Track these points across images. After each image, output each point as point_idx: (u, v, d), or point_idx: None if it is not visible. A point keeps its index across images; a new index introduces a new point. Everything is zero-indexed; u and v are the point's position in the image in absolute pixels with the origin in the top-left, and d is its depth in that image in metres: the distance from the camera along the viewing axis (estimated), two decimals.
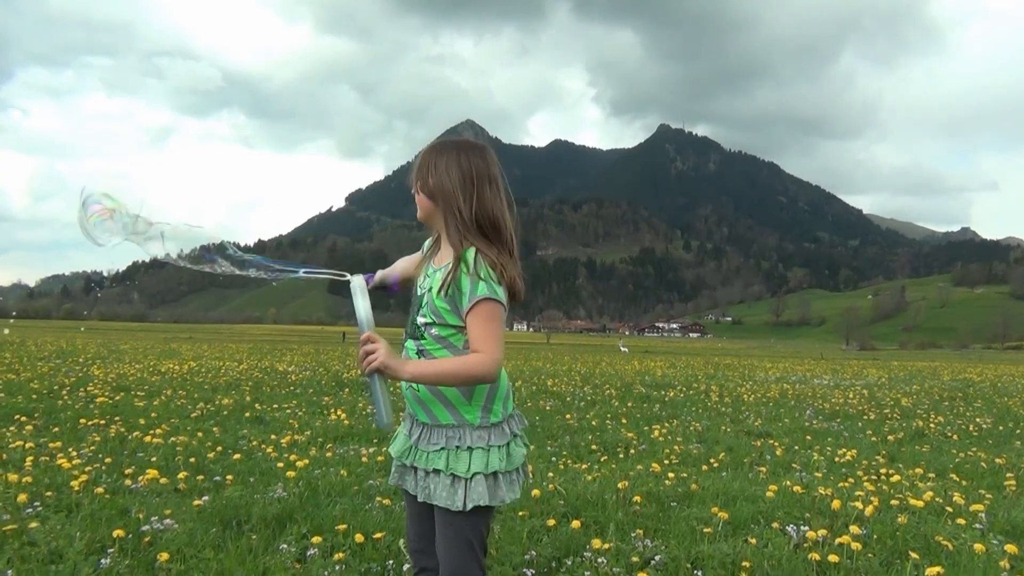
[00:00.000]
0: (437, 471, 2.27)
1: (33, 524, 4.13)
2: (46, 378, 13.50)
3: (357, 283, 2.26)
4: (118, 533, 3.89)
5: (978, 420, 12.10)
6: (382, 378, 2.21)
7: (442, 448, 2.27)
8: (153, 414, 9.32)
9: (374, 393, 2.24)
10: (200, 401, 10.97)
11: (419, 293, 2.36)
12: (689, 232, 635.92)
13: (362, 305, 2.23)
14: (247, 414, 9.85)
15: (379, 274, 2.60)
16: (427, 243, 2.53)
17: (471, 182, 2.26)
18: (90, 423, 8.31)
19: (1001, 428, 11.18)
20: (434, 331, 2.28)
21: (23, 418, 8.41)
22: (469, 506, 2.23)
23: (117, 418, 8.83)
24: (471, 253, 2.21)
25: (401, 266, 2.62)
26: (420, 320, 2.30)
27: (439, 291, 2.25)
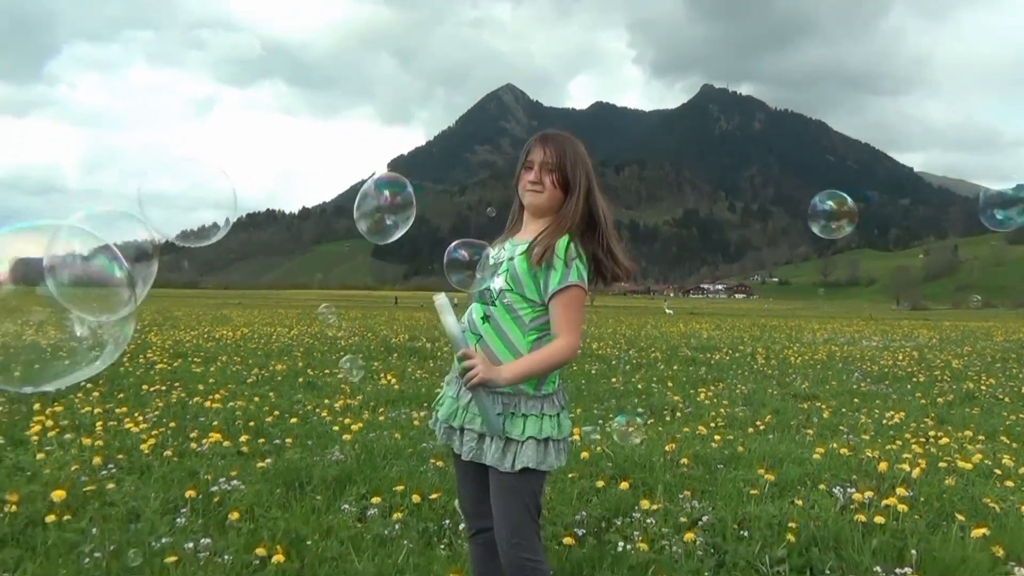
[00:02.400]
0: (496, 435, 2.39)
1: (110, 485, 4.38)
2: None
3: (442, 301, 2.33)
4: (190, 493, 4.12)
5: None
6: (484, 389, 2.32)
7: (498, 414, 2.39)
8: (211, 380, 9.65)
9: (481, 404, 2.33)
10: (255, 367, 11.29)
11: (493, 261, 2.48)
12: (734, 193, 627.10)
13: (451, 322, 2.32)
14: (300, 379, 10.12)
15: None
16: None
17: (589, 177, 2.47)
18: (152, 389, 8.65)
19: None
20: (508, 299, 2.42)
21: (88, 385, 8.76)
22: (518, 467, 2.37)
23: (177, 384, 9.15)
24: (566, 241, 2.38)
25: None
26: (496, 286, 2.43)
27: (531, 264, 2.39)
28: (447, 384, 2.58)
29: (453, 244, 2.45)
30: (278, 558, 3.26)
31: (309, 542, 3.59)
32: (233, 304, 57.57)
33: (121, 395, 8.21)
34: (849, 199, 3.32)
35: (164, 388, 8.78)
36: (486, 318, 2.43)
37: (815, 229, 3.32)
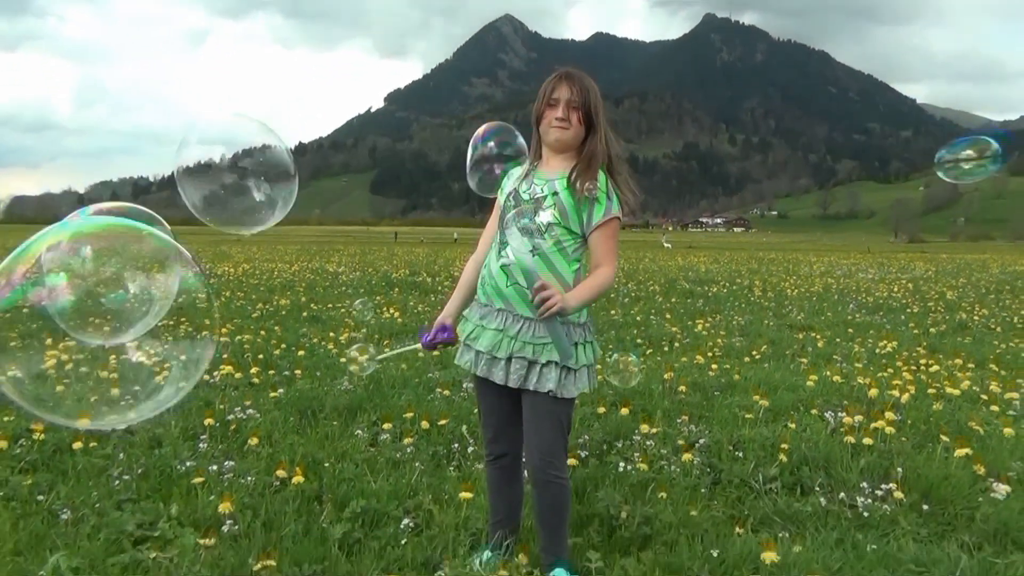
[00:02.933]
0: (549, 362, 2.51)
1: (131, 414, 4.55)
2: None
3: (514, 234, 2.51)
4: (208, 421, 4.29)
5: (1023, 312, 12.11)
6: (557, 318, 2.43)
7: (574, 343, 2.52)
8: (216, 314, 9.78)
9: (555, 333, 2.42)
10: (259, 302, 11.45)
11: (530, 197, 2.59)
12: (735, 125, 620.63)
13: (526, 256, 2.48)
14: (304, 313, 10.29)
15: (436, 323, 2.81)
16: (514, 170, 2.78)
17: (605, 113, 2.61)
18: (159, 324, 8.79)
19: None
20: (556, 232, 2.54)
21: (97, 320, 8.91)
22: (575, 393, 2.54)
23: (183, 319, 9.29)
24: (604, 176, 2.54)
25: (451, 309, 2.84)
26: (543, 220, 2.54)
27: (575, 199, 2.53)
28: (482, 318, 2.65)
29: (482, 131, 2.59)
30: (298, 479, 3.44)
31: (326, 464, 3.78)
32: (232, 240, 57.59)
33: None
34: (993, 142, 3.22)
35: (171, 323, 8.92)
36: (534, 250, 2.54)
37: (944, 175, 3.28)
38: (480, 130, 2.94)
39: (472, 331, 2.67)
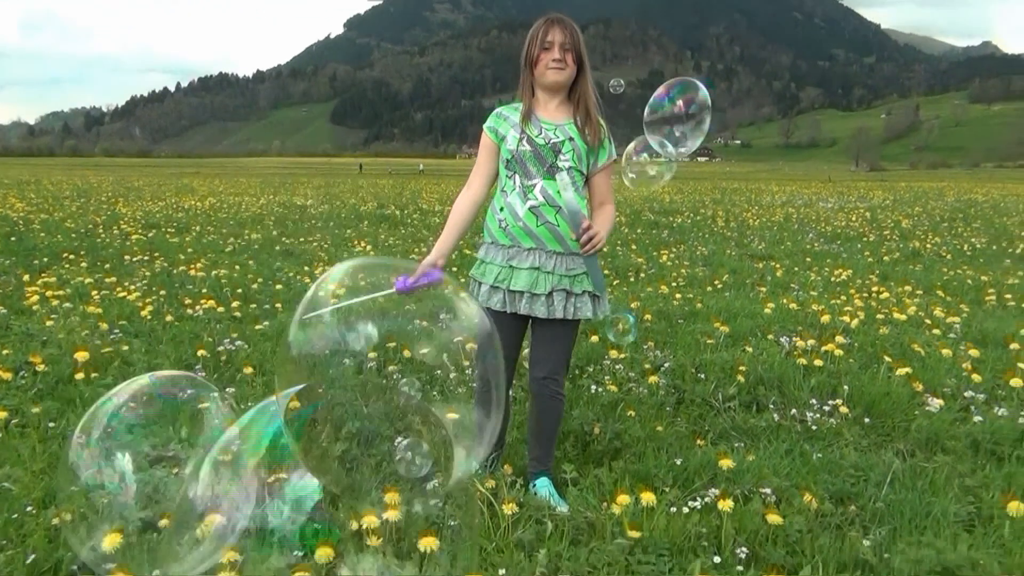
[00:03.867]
0: (583, 292, 2.81)
1: (124, 347, 4.76)
2: (77, 217, 14.04)
3: (565, 179, 2.68)
4: (201, 352, 4.52)
5: (973, 240, 12.62)
6: (596, 254, 2.71)
7: (584, 272, 2.79)
8: (188, 249, 9.91)
9: (593, 267, 2.72)
10: (230, 236, 11.53)
11: (546, 143, 2.78)
12: (700, 52, 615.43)
13: (571, 197, 2.64)
14: (277, 247, 10.43)
15: (423, 265, 2.75)
16: (504, 110, 2.93)
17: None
18: (134, 259, 8.90)
19: (995, 248, 11.69)
20: (573, 175, 2.79)
21: (70, 255, 8.98)
22: (600, 316, 2.86)
23: (156, 254, 9.41)
24: (602, 120, 2.84)
25: (444, 248, 2.82)
26: (564, 163, 2.78)
27: (587, 143, 2.81)
28: (509, 260, 2.83)
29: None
30: (294, 404, 3.69)
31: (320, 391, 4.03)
32: (191, 173, 56.63)
33: (107, 265, 8.47)
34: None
35: (145, 258, 9.04)
36: (559, 192, 2.74)
37: None
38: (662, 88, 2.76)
39: (499, 273, 2.84)
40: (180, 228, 12.69)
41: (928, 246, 11.71)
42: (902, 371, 4.27)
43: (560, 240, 2.77)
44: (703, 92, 2.69)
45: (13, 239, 10.39)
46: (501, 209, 2.85)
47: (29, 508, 2.67)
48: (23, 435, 3.40)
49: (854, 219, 16.73)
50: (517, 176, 2.82)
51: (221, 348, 4.80)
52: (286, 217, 15.17)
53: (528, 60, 2.81)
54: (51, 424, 3.56)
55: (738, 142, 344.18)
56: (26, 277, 7.49)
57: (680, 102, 2.66)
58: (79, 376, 4.09)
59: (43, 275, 7.62)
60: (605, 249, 2.61)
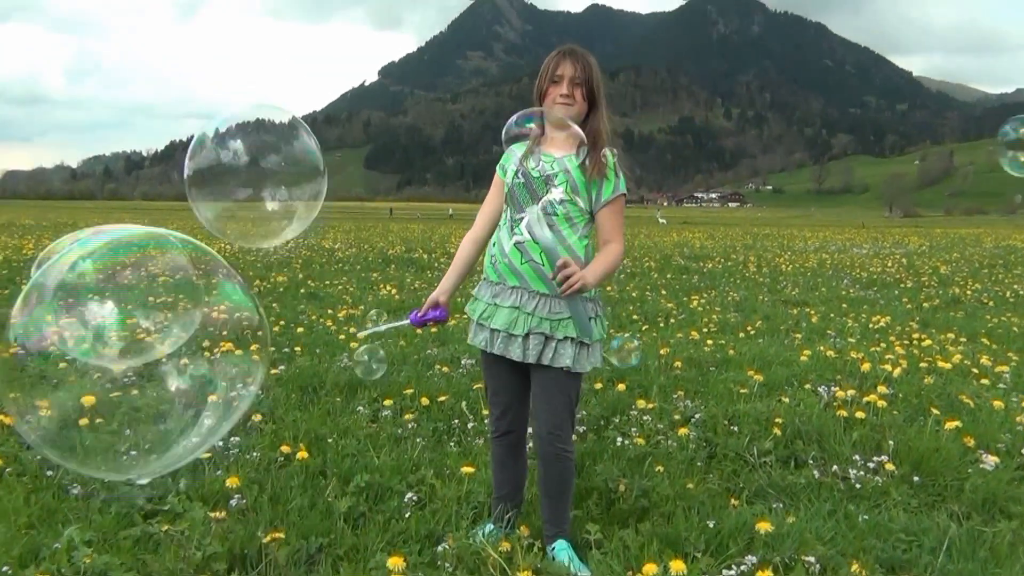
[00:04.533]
0: (565, 338, 2.58)
1: (134, 391, 4.61)
2: None
3: (535, 214, 2.46)
4: (212, 398, 4.35)
5: (1016, 287, 12.20)
6: (578, 296, 2.47)
7: (569, 317, 2.56)
8: (214, 292, 9.82)
9: (576, 310, 2.48)
10: (255, 278, 11.49)
11: (540, 175, 2.63)
12: (730, 99, 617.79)
13: (546, 235, 2.41)
14: (302, 290, 10.35)
15: (428, 301, 2.82)
16: (515, 147, 2.75)
17: (606, 90, 2.68)
18: (157, 301, 8.82)
19: None
20: (566, 208, 2.60)
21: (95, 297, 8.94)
22: (588, 368, 2.62)
23: (181, 296, 9.33)
24: (611, 154, 2.62)
25: (446, 286, 2.84)
26: (555, 197, 2.60)
27: (586, 176, 2.60)
28: (494, 296, 2.68)
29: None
30: (302, 455, 3.51)
31: (329, 440, 3.85)
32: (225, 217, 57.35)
33: (129, 307, 8.39)
34: None
35: (169, 299, 8.96)
36: (549, 228, 2.56)
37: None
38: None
39: (484, 310, 2.71)
40: (207, 271, 12.67)
41: (969, 293, 11.34)
42: (951, 425, 3.99)
43: (546, 280, 2.58)
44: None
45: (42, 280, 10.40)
46: (493, 244, 2.73)
47: (6, 569, 2.50)
48: (18, 483, 3.25)
49: (890, 265, 16.35)
50: (509, 210, 2.69)
51: (234, 393, 4.64)
52: (313, 260, 15.14)
53: (538, 93, 2.67)
54: (48, 473, 3.40)
55: (769, 188, 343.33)
56: (49, 317, 7.43)
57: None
58: (84, 423, 3.94)
59: (68, 315, 7.56)
60: (591, 291, 2.36)
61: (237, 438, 3.78)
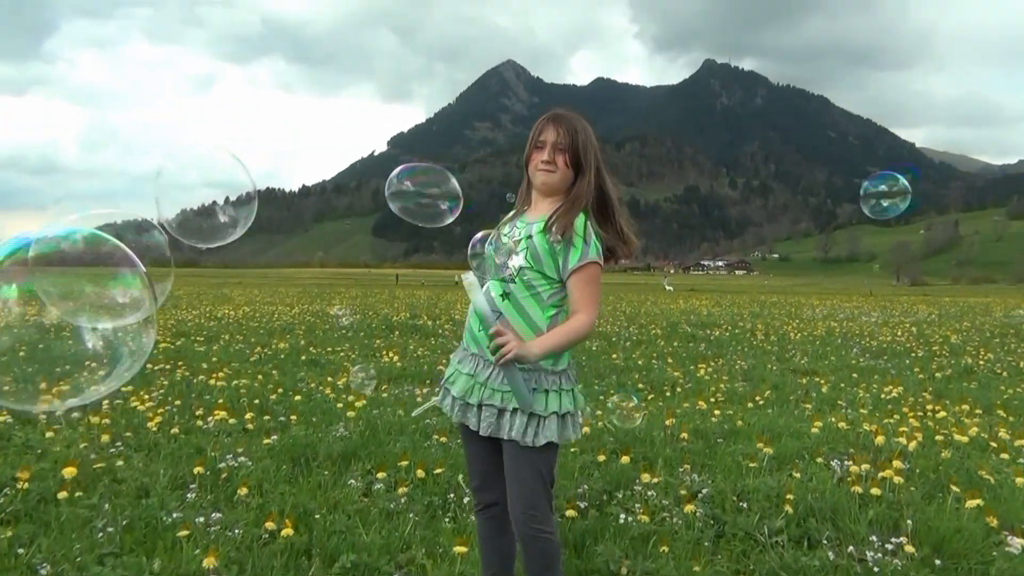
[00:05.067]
0: (515, 409, 2.43)
1: (119, 462, 4.45)
2: None
3: (470, 280, 2.38)
4: (198, 469, 4.19)
5: None
6: (515, 365, 2.36)
7: (532, 389, 2.42)
8: (214, 358, 9.71)
9: (514, 380, 2.37)
10: (257, 345, 11.36)
11: (507, 240, 2.53)
12: (735, 169, 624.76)
13: (481, 300, 2.36)
14: (303, 357, 10.20)
15: None
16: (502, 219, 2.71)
17: (598, 157, 2.53)
18: (156, 368, 8.70)
19: None
20: (528, 276, 2.46)
21: (93, 364, 8.82)
22: (542, 442, 2.42)
23: (180, 363, 9.22)
24: (585, 217, 2.45)
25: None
26: (515, 263, 2.47)
27: (550, 242, 2.44)
28: (459, 362, 2.61)
29: (479, 236, 2.54)
30: (287, 532, 3.32)
31: (317, 516, 3.66)
32: (233, 283, 57.62)
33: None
34: (901, 178, 3.45)
35: (168, 367, 8.84)
36: (505, 295, 2.47)
37: (866, 210, 3.43)
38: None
39: (451, 374, 2.62)
40: (210, 337, 12.58)
41: (982, 362, 11.12)
42: (973, 502, 3.79)
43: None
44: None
45: (41, 347, 10.29)
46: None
47: None
48: None
49: (900, 334, 16.14)
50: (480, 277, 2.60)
51: (223, 464, 4.47)
52: (316, 327, 15.03)
53: (526, 159, 2.58)
54: (20, 551, 3.23)
55: (775, 256, 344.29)
56: (43, 385, 7.29)
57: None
58: (63, 495, 3.77)
59: (61, 383, 7.42)
60: (550, 362, 2.22)
61: (219, 514, 3.60)
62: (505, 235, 2.56)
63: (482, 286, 2.54)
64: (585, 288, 2.44)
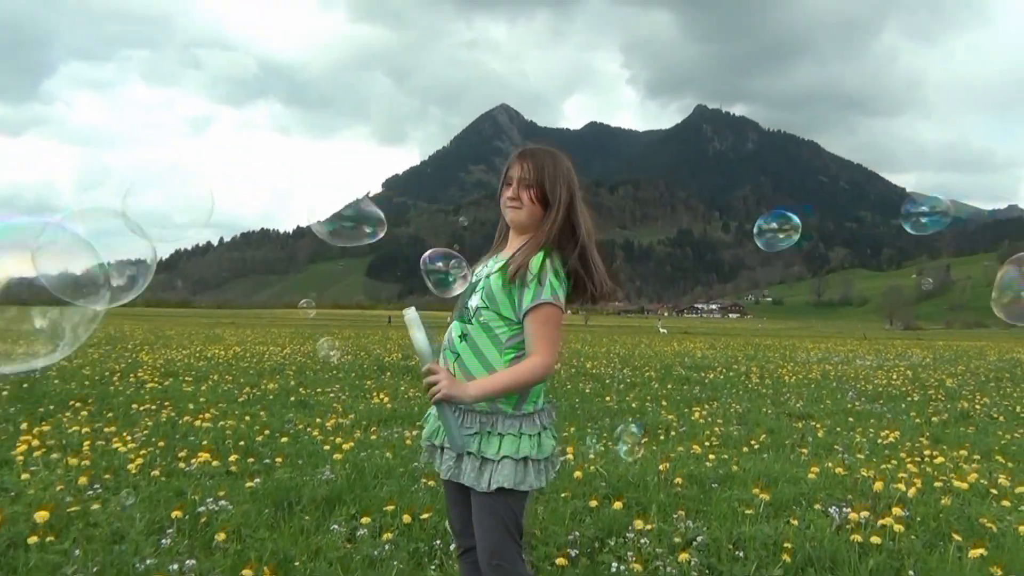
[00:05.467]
0: (469, 453, 2.35)
1: (95, 505, 4.30)
2: (97, 364, 13.88)
3: (411, 316, 2.32)
4: (176, 514, 4.04)
5: None
6: (450, 405, 2.30)
7: (475, 432, 2.35)
8: (201, 399, 9.56)
9: (445, 419, 2.31)
10: (246, 385, 11.22)
11: (476, 279, 2.47)
12: (727, 213, 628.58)
13: (419, 337, 2.30)
14: (292, 398, 10.06)
15: None
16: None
17: (572, 193, 2.44)
18: (142, 408, 8.56)
19: None
20: (484, 316, 2.38)
21: (77, 404, 8.69)
22: (493, 487, 2.31)
23: (167, 403, 9.08)
24: (545, 255, 2.34)
25: None
26: (473, 303, 2.40)
27: (505, 281, 2.35)
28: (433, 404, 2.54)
29: (428, 253, 2.46)
30: None
31: (297, 563, 3.53)
32: (226, 323, 57.38)
33: (110, 414, 8.12)
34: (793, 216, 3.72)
35: (154, 407, 8.70)
36: (463, 336, 2.39)
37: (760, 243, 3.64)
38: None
39: (427, 416, 2.57)
40: (199, 377, 12.42)
41: (978, 407, 11.02)
42: (976, 552, 3.67)
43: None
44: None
45: (25, 386, 10.14)
46: None
47: None
48: None
49: (895, 378, 16.05)
50: None
51: (203, 508, 4.33)
52: (307, 367, 14.87)
53: (497, 195, 2.52)
54: None
55: (769, 299, 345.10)
56: (24, 425, 7.15)
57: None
58: (33, 540, 3.63)
59: (43, 424, 7.28)
60: (464, 403, 2.29)
61: (193, 561, 3.45)
62: (476, 274, 2.49)
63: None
64: (538, 329, 2.33)
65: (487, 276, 2.42)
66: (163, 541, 3.78)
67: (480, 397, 2.30)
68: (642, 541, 3.95)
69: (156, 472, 5.24)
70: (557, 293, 2.32)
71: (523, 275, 2.31)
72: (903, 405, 11.14)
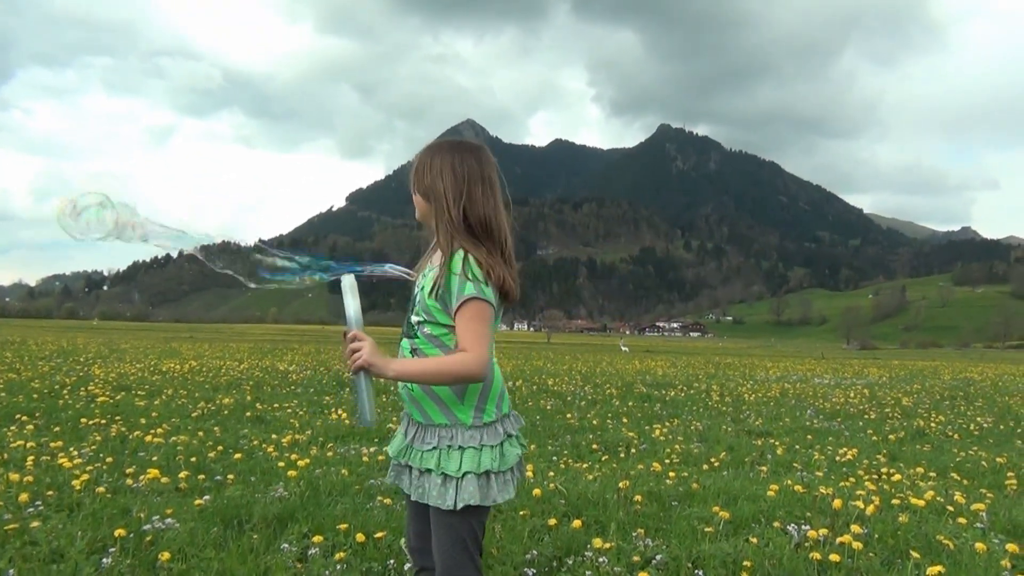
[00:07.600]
0: (429, 471, 2.27)
1: (35, 523, 4.13)
2: (47, 377, 13.51)
3: (348, 282, 2.26)
4: (119, 532, 3.89)
5: (979, 419, 12.09)
6: (367, 376, 2.22)
7: (435, 448, 2.28)
8: (154, 413, 9.32)
9: (358, 391, 2.24)
10: (201, 400, 10.97)
11: (414, 293, 2.37)
12: (690, 231, 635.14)
13: (352, 304, 2.23)
14: (248, 413, 9.85)
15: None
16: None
17: (463, 182, 2.28)
18: (91, 423, 8.31)
19: (1002, 427, 11.19)
20: (427, 330, 2.29)
21: (24, 417, 8.41)
22: (459, 505, 2.23)
23: (118, 418, 8.83)
24: (459, 254, 2.22)
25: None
26: (414, 319, 2.32)
27: (430, 291, 2.26)
28: (401, 422, 2.46)
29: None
30: None
31: None
32: (184, 337, 56.41)
33: (57, 428, 7.87)
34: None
35: (104, 422, 8.45)
36: (413, 352, 2.31)
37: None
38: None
39: (395, 434, 2.48)
40: (152, 392, 12.12)
41: (933, 425, 11.17)
42: (934, 570, 3.65)
43: (416, 404, 2.32)
44: None
45: None
46: None
47: None
48: None
49: (853, 396, 16.23)
50: None
51: (148, 527, 4.17)
52: (264, 382, 14.62)
53: None
54: None
55: (729, 319, 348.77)
56: None
57: None
58: None
59: None
60: (384, 377, 2.20)
61: None
62: (416, 285, 2.39)
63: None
64: (466, 325, 2.21)
65: (420, 289, 2.33)
66: (104, 561, 3.63)
67: (402, 375, 2.21)
68: (601, 560, 3.88)
69: (101, 489, 5.06)
70: (481, 288, 2.21)
71: (445, 276, 2.22)
72: (860, 423, 11.24)
